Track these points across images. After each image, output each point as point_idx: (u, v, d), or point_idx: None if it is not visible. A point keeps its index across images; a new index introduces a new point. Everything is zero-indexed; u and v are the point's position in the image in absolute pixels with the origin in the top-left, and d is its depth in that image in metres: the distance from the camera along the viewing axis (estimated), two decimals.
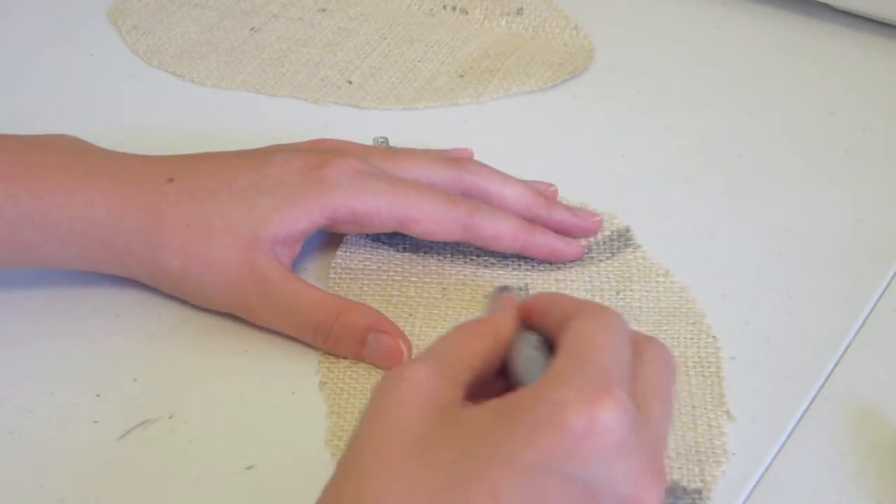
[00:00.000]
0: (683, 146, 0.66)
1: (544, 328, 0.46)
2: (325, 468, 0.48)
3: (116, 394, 0.51)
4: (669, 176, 0.63)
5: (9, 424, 0.50)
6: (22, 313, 0.55)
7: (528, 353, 0.45)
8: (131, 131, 0.66)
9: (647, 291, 0.56)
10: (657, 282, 0.56)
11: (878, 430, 0.50)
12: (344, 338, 0.52)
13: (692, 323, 0.54)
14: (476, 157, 0.61)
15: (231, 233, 0.52)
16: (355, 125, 0.67)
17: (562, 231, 0.57)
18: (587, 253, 0.57)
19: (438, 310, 0.55)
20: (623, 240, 0.58)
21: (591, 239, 0.58)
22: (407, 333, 0.53)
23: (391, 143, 0.62)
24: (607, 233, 0.59)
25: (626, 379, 0.41)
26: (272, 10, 0.75)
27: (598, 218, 0.58)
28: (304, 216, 0.53)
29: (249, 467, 0.48)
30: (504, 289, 0.54)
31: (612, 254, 0.58)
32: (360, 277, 0.56)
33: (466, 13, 0.75)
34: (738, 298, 0.56)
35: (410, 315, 0.54)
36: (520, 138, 0.66)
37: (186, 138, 0.66)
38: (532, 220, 0.57)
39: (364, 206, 0.53)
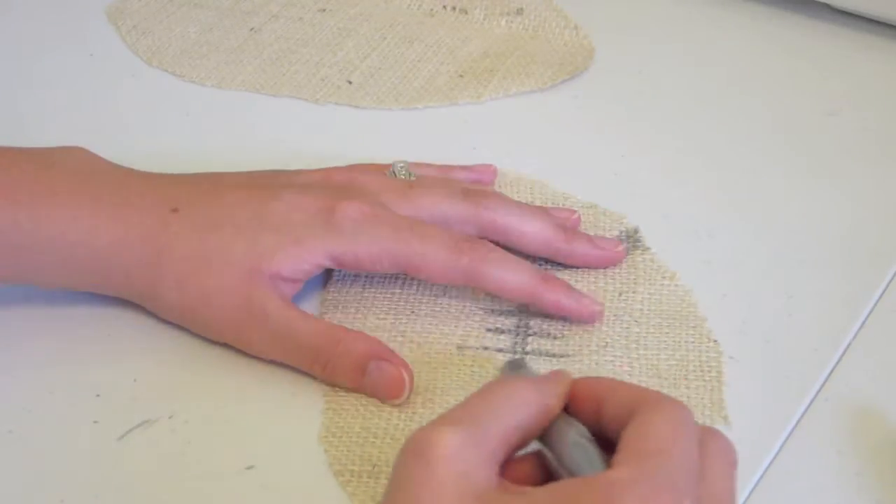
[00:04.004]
0: (683, 146, 0.66)
1: (600, 415, 0.43)
2: (324, 468, 0.48)
3: (116, 394, 0.51)
4: (669, 176, 0.63)
5: (9, 424, 0.50)
6: (22, 313, 0.55)
7: (576, 439, 0.42)
8: (131, 131, 0.66)
9: (649, 294, 0.56)
10: (661, 284, 0.56)
11: (878, 430, 0.50)
12: (343, 366, 0.51)
13: (693, 327, 0.54)
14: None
15: (230, 265, 0.51)
16: (355, 125, 0.67)
17: (584, 264, 0.56)
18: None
19: (432, 335, 0.54)
20: (632, 241, 0.58)
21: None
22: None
23: (410, 169, 0.58)
24: (616, 233, 0.59)
25: (694, 486, 0.40)
26: (272, 10, 0.75)
27: (620, 248, 0.57)
28: (309, 257, 0.52)
29: (249, 467, 0.48)
30: (516, 364, 0.50)
31: None
32: (351, 304, 0.55)
33: (466, 13, 0.75)
34: (738, 298, 0.56)
35: (402, 334, 0.54)
36: (519, 138, 0.66)
37: (186, 138, 0.66)
38: (552, 255, 0.56)
39: (366, 252, 0.52)
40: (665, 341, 0.53)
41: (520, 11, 0.75)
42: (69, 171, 0.53)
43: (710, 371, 0.52)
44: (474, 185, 0.59)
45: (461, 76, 0.70)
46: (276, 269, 0.51)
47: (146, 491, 0.48)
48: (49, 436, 0.50)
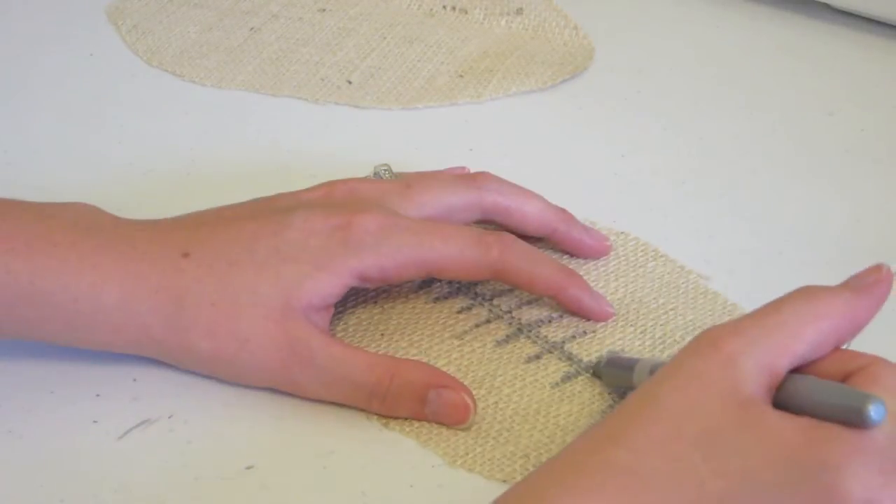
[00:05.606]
0: (683, 146, 0.66)
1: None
2: (324, 468, 0.48)
3: (116, 394, 0.51)
4: (669, 176, 0.63)
5: (9, 424, 0.50)
6: None
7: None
8: (131, 131, 0.66)
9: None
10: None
11: None
12: (402, 398, 0.49)
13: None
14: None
15: (261, 305, 0.49)
16: (355, 125, 0.67)
17: (576, 248, 0.56)
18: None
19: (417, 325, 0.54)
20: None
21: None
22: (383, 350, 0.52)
23: (394, 171, 0.57)
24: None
25: None
26: (272, 10, 0.75)
27: (609, 242, 0.57)
28: (337, 281, 0.50)
29: (249, 467, 0.48)
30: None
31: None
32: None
33: (466, 13, 0.75)
34: (738, 298, 0.56)
35: (382, 335, 0.54)
36: (519, 138, 0.66)
37: (186, 138, 0.66)
38: (550, 236, 0.56)
39: (392, 263, 0.51)
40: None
41: (520, 11, 0.75)
42: (69, 222, 0.51)
43: None
44: (462, 173, 0.58)
45: (461, 76, 0.70)
46: (307, 301, 0.50)
47: (146, 491, 0.48)
48: (49, 436, 0.50)
